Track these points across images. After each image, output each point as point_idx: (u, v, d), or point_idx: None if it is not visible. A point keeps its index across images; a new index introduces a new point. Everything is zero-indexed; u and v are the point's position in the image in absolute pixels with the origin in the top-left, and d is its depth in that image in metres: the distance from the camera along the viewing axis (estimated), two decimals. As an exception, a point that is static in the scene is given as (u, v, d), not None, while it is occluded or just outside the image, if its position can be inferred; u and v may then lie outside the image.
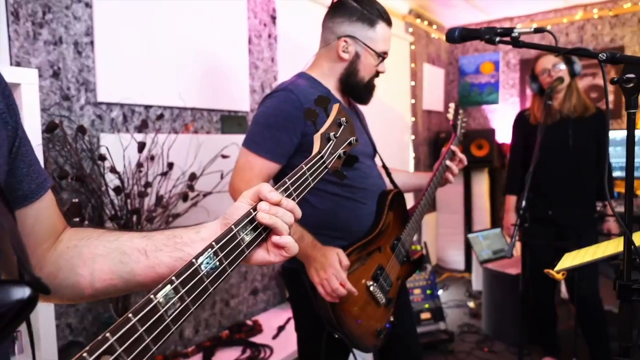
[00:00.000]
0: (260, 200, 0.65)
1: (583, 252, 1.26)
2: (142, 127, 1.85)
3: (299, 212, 0.69)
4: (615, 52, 0.96)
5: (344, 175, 0.89)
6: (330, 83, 1.38)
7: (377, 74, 1.40)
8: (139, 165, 1.72)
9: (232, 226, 0.62)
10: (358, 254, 1.30)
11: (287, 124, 1.24)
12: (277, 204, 0.65)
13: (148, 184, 1.73)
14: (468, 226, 4.44)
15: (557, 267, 1.19)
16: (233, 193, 1.28)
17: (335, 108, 0.91)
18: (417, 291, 2.99)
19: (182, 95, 2.01)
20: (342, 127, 0.90)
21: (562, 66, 2.33)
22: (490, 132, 4.20)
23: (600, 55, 0.97)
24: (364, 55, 1.34)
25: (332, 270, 1.19)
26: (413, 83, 4.09)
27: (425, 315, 2.93)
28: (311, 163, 0.79)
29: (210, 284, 0.57)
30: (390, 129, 3.82)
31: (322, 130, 0.85)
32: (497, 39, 1.18)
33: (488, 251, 3.25)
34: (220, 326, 2.32)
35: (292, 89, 1.27)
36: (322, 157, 0.82)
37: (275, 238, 0.66)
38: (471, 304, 3.59)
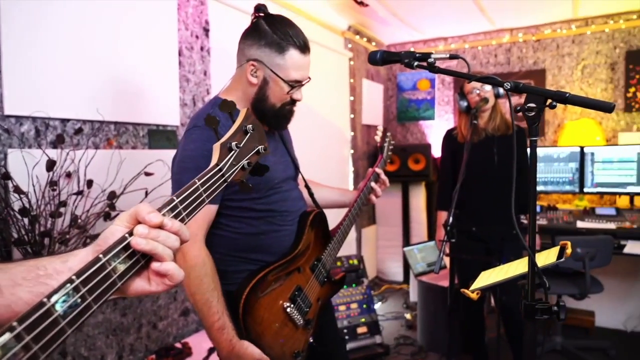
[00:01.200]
0: (139, 222, 0.58)
1: (497, 270, 1.30)
2: (58, 142, 1.73)
3: (186, 234, 0.62)
4: (518, 82, 1.01)
5: (250, 188, 0.83)
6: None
7: (292, 100, 1.33)
8: (52, 183, 1.60)
9: (100, 255, 0.54)
10: (276, 274, 1.28)
11: None
12: (159, 227, 0.58)
13: (62, 204, 1.62)
14: (406, 238, 4.55)
15: (472, 287, 1.22)
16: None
17: (242, 113, 0.84)
18: (353, 305, 3.01)
19: (104, 108, 1.90)
20: (249, 134, 0.83)
21: (489, 87, 2.44)
22: (427, 147, 4.34)
23: (505, 84, 1.01)
24: (272, 82, 1.28)
25: None
26: (352, 98, 4.15)
27: (361, 330, 2.95)
28: (206, 177, 0.71)
29: (69, 325, 0.50)
30: (330, 143, 3.85)
31: (222, 139, 0.78)
32: (415, 63, 1.21)
33: (423, 264, 3.33)
34: (146, 350, 2.20)
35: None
36: (220, 169, 0.75)
37: (155, 265, 0.59)
38: (408, 316, 3.65)
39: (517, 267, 1.21)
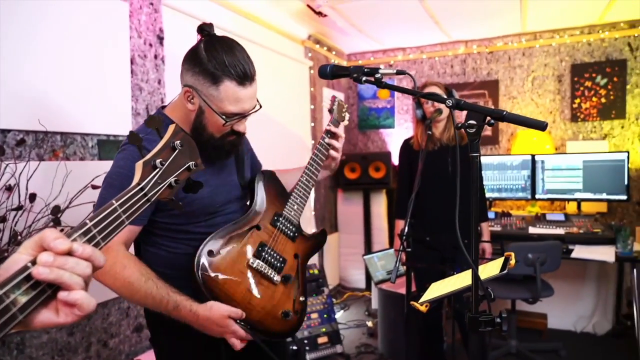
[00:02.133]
0: (45, 249, 0.55)
1: (447, 282, 1.33)
2: (-3, 154, 1.64)
3: (99, 260, 0.58)
4: (460, 100, 1.04)
5: (180, 206, 0.81)
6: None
7: (233, 132, 1.24)
8: (-10, 198, 1.51)
9: None
10: (229, 234, 1.24)
11: None
12: (66, 253, 0.55)
13: (2, 219, 1.53)
14: (368, 245, 4.59)
15: (421, 299, 1.24)
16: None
17: (169, 130, 0.82)
18: (314, 315, 3.00)
19: (50, 117, 1.83)
20: (177, 151, 0.81)
21: (443, 98, 2.51)
22: (387, 155, 4.41)
23: (447, 101, 1.04)
24: (208, 112, 1.18)
25: (230, 336, 1.14)
26: (312, 107, 4.16)
27: (322, 340, 2.94)
28: (125, 198, 0.68)
29: None
30: (291, 151, 3.84)
31: (145, 157, 0.76)
32: (364, 78, 1.22)
33: (382, 272, 3.37)
34: (97, 370, 2.11)
35: (146, 145, 1.19)
36: (141, 189, 0.72)
37: (61, 295, 0.55)
38: (369, 323, 3.67)
39: (465, 278, 1.23)
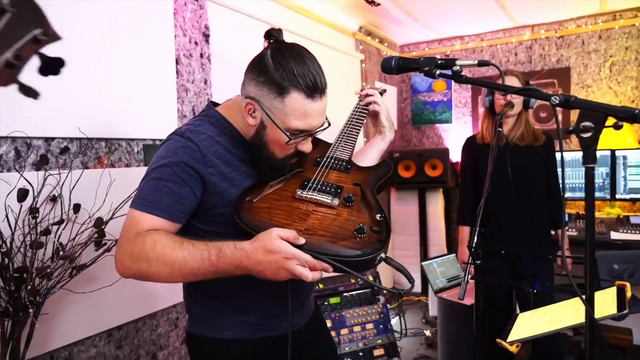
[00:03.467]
0: None
1: (540, 314, 1.10)
2: (41, 164, 1.57)
3: None
4: (570, 96, 0.81)
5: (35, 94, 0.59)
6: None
7: (297, 152, 1.11)
8: (33, 210, 1.44)
9: None
10: (267, 183, 1.10)
11: (186, 176, 1.02)
12: None
13: (45, 232, 1.46)
14: (424, 247, 4.34)
15: (511, 337, 1.02)
16: (120, 269, 0.99)
17: None
18: (369, 326, 2.81)
19: (94, 123, 1.75)
20: (8, 14, 0.56)
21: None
22: (444, 152, 4.12)
23: (552, 98, 0.81)
24: (270, 127, 1.04)
25: (293, 263, 0.90)
26: (364, 102, 3.95)
27: (378, 352, 2.75)
28: None
29: None
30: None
31: None
32: (438, 72, 1.01)
33: (443, 279, 3.12)
34: (146, 382, 2.04)
35: (193, 137, 1.05)
36: None
37: None
38: (427, 332, 3.44)
39: (565, 314, 1.00)
